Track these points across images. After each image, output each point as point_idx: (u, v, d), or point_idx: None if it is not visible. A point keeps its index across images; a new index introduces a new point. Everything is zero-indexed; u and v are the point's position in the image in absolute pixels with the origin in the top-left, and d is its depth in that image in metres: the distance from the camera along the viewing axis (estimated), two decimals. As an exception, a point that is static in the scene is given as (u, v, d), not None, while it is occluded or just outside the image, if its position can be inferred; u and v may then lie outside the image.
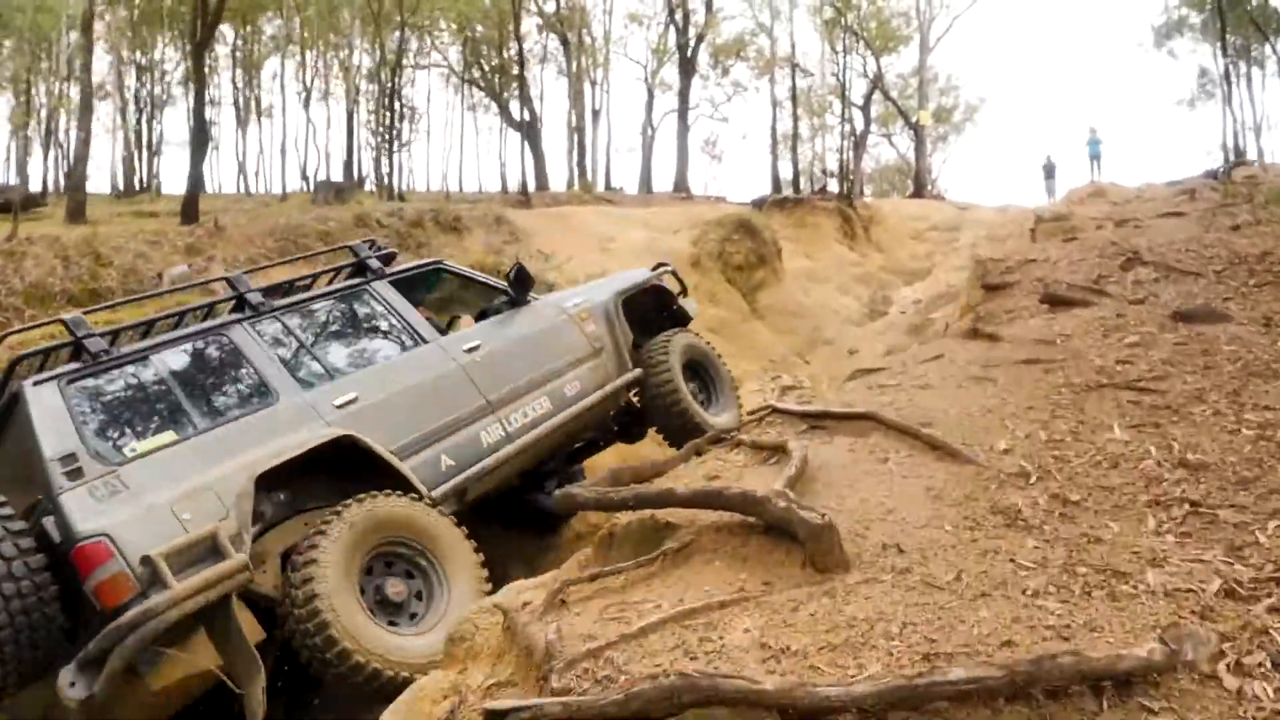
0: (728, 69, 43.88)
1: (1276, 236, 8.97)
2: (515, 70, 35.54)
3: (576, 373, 6.38)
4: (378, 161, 24.72)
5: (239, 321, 5.18)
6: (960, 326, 6.35)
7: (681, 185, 35.42)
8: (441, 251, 16.55)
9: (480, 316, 6.65)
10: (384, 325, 5.78)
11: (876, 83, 39.69)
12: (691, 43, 36.24)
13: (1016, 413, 3.93)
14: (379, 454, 4.72)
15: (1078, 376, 4.33)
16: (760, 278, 15.81)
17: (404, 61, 26.52)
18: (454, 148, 70.15)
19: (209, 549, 3.86)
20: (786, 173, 31.54)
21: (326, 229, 14.28)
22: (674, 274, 7.83)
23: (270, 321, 5.27)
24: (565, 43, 36.47)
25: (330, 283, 6.11)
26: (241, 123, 35.72)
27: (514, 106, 40.00)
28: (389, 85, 23.76)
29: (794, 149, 29.31)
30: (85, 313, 5.15)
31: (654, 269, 7.80)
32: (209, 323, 5.30)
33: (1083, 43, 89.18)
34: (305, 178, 30.06)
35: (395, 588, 4.37)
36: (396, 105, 24.59)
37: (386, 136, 23.99)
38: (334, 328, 5.75)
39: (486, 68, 37.79)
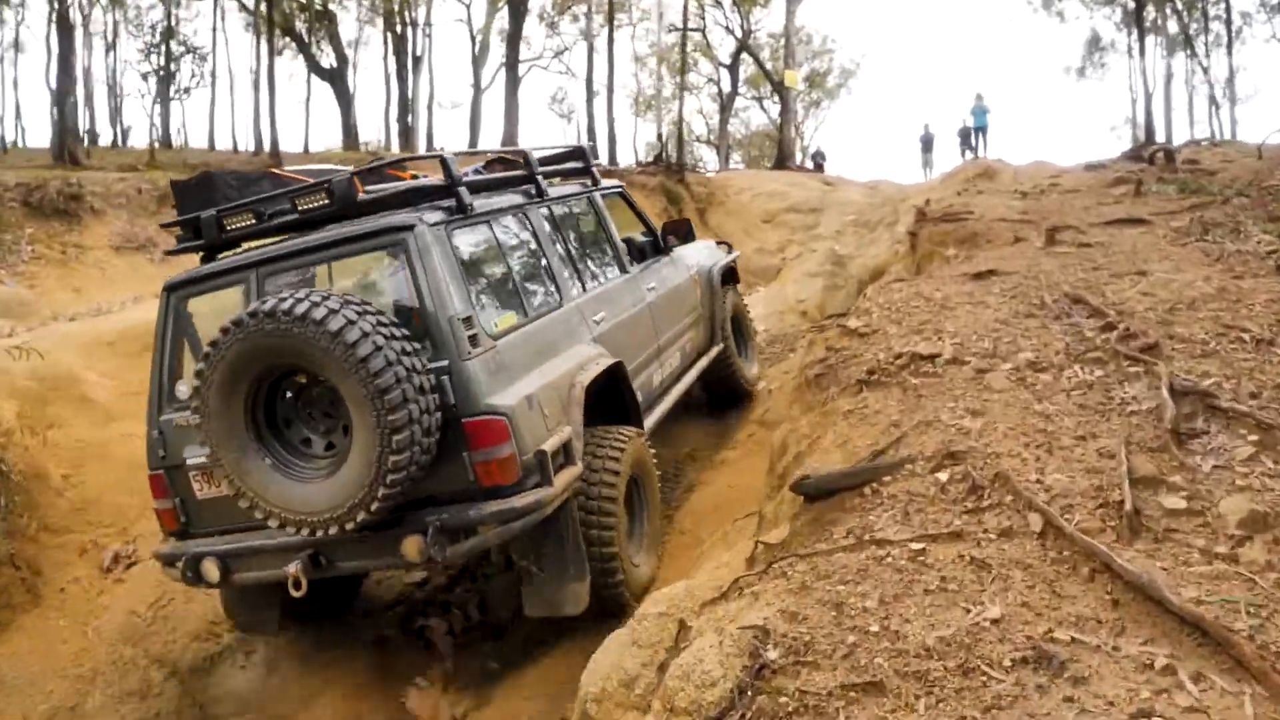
0: (577, 15, 38.22)
1: None
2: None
3: (690, 334, 6.20)
4: (58, 115, 18.05)
5: (531, 204, 4.77)
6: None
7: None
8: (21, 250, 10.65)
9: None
10: (603, 241, 5.49)
11: (744, 40, 34.92)
12: (522, -22, 30.22)
13: None
14: (629, 387, 4.70)
15: None
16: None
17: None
18: (252, 99, 61.16)
19: (564, 452, 3.85)
20: (647, 135, 26.28)
21: None
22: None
23: (548, 211, 4.93)
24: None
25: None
26: None
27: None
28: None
29: (610, 107, 23.94)
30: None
31: (718, 244, 7.72)
32: (508, 198, 4.67)
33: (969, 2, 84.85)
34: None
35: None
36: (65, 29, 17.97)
37: (61, 77, 17.40)
38: (577, 232, 5.30)
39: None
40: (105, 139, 33.70)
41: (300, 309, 3.26)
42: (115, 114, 35.93)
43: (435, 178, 4.62)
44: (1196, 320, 4.31)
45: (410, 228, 3.77)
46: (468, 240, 4.14)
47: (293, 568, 3.58)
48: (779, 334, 9.36)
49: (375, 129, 32.81)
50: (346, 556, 3.69)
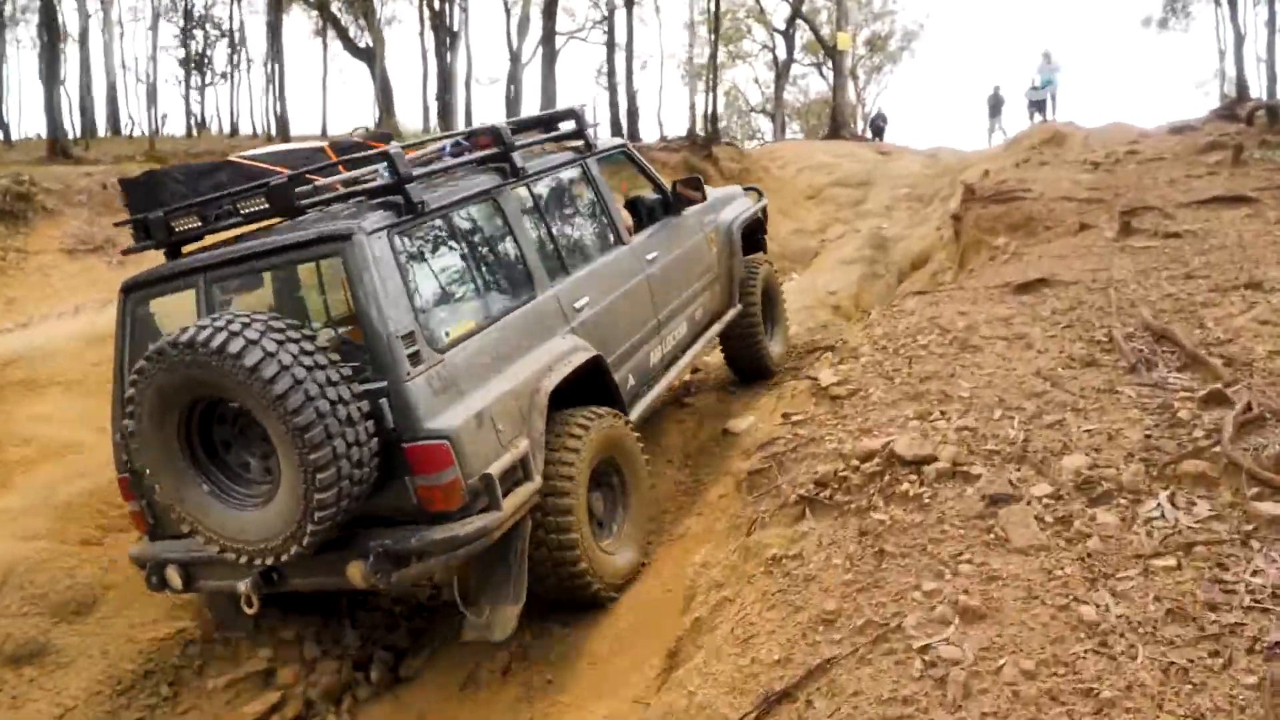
0: (618, -18, 36.39)
1: None
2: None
3: (702, 299, 5.84)
4: (47, 108, 17.25)
5: (503, 186, 4.35)
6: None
7: (544, 126, 28.12)
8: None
9: (630, 210, 5.66)
10: (596, 213, 5.07)
11: (797, 4, 32.77)
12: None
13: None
14: (612, 381, 4.46)
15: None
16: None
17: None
18: (264, 79, 59.77)
19: (520, 468, 3.67)
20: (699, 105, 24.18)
21: None
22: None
23: (525, 191, 4.52)
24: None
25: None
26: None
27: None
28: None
29: (629, 77, 21.96)
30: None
31: (746, 191, 7.34)
32: (474, 183, 4.27)
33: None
34: None
35: (598, 504, 4.26)
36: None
37: (49, 59, 16.54)
38: (561, 208, 4.90)
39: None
40: (141, 127, 33.28)
41: (217, 341, 3.10)
42: (149, 101, 35.57)
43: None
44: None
45: (348, 237, 3.47)
46: (416, 243, 3.84)
47: (243, 586, 3.55)
48: (793, 339, 7.80)
49: (405, 108, 31.56)
50: (298, 574, 3.59)
